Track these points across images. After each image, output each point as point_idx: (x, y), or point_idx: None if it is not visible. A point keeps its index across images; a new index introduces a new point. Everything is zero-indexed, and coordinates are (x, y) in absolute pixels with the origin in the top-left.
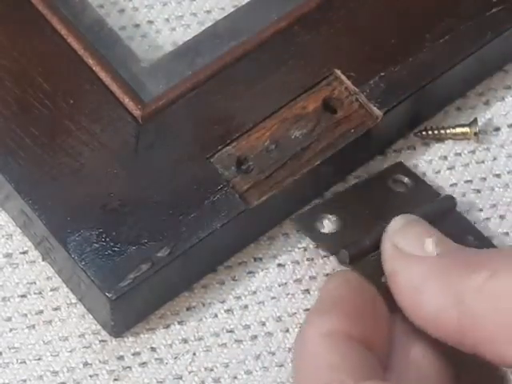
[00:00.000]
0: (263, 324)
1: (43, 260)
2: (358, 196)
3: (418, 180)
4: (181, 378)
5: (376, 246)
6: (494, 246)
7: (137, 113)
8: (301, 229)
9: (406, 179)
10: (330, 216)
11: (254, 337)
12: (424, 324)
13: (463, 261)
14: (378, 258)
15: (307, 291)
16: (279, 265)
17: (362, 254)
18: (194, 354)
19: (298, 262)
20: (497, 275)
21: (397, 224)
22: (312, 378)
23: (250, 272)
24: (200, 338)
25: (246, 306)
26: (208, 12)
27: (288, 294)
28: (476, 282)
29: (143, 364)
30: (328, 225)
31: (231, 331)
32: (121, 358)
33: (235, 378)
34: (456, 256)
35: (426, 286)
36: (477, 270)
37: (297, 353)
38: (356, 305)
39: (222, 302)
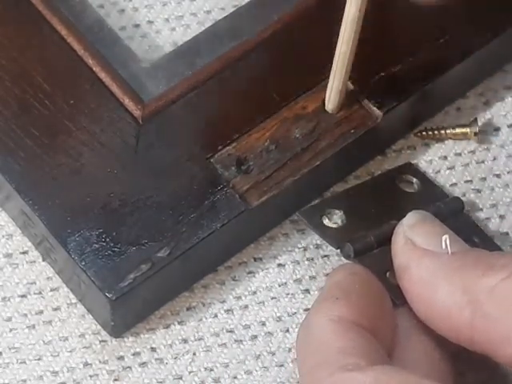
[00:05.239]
0: (263, 324)
1: (43, 260)
2: (365, 193)
3: (426, 181)
4: (181, 378)
5: (381, 243)
6: (499, 249)
7: (137, 113)
8: (307, 222)
9: (414, 179)
10: (336, 211)
11: (254, 337)
12: (434, 321)
13: (478, 261)
14: (381, 253)
15: (307, 291)
16: (279, 265)
17: (366, 249)
18: (194, 354)
19: (298, 262)
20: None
21: (411, 219)
22: (323, 363)
23: (250, 272)
24: (200, 338)
25: (246, 306)
26: (208, 12)
27: (288, 294)
28: (491, 283)
29: (143, 364)
30: (334, 219)
31: (231, 331)
32: (121, 358)
33: (235, 377)
34: (471, 255)
35: (439, 282)
36: (492, 270)
37: (304, 339)
38: (364, 296)
39: (222, 302)
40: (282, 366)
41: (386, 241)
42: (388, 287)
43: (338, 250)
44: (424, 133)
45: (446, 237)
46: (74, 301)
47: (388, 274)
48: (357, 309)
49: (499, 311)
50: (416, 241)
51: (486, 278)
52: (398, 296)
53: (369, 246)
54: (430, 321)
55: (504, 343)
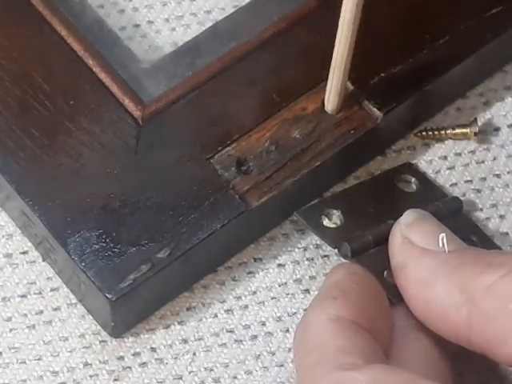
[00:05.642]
0: (263, 324)
1: (43, 260)
2: (364, 193)
3: (425, 180)
4: (181, 378)
5: (378, 242)
6: (498, 248)
7: (137, 113)
8: (305, 222)
9: (413, 179)
10: (334, 211)
11: (254, 337)
12: (431, 320)
13: (476, 259)
14: (379, 253)
15: (307, 291)
16: (279, 265)
17: (363, 249)
18: (194, 354)
19: (298, 262)
20: (509, 275)
21: (409, 217)
22: (321, 362)
23: (250, 272)
24: (200, 338)
25: (246, 306)
26: (208, 12)
27: (288, 294)
28: (488, 281)
29: (143, 364)
30: (332, 219)
31: (231, 331)
32: (121, 358)
33: (235, 377)
34: (468, 254)
35: (436, 281)
36: (489, 269)
37: (302, 337)
38: (362, 295)
39: (222, 302)
40: (281, 366)
41: (383, 240)
42: (385, 286)
43: (336, 250)
44: (424, 133)
45: (443, 235)
46: (74, 301)
47: (385, 273)
48: (355, 308)
49: (496, 310)
50: (413, 239)
51: (483, 276)
52: (395, 295)
53: (366, 246)
54: (427, 321)
55: (501, 343)
